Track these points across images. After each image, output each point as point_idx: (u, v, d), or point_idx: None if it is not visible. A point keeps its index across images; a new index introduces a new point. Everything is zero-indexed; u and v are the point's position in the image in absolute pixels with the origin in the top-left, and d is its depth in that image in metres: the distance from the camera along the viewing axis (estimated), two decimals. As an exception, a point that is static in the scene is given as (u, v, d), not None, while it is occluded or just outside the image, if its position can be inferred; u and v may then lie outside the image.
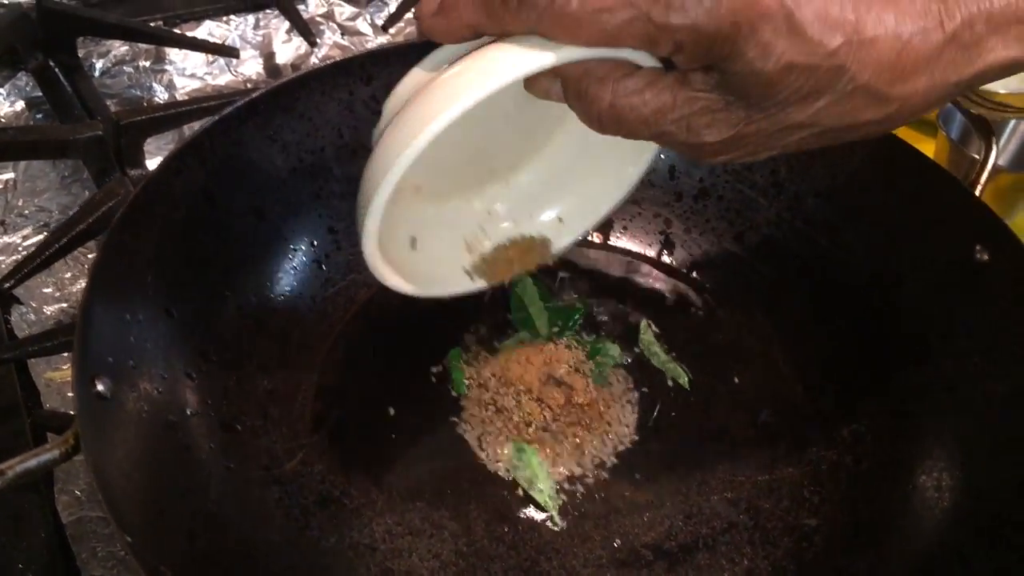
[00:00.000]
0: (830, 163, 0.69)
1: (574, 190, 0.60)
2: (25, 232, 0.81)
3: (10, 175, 0.84)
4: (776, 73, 0.38)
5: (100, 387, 0.48)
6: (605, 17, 0.37)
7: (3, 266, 0.76)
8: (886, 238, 0.66)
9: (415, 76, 0.48)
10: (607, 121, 0.43)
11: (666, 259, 0.75)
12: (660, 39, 0.38)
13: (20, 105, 0.91)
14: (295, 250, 0.68)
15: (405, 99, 0.46)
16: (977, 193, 0.62)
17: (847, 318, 0.67)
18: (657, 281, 0.74)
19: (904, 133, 0.63)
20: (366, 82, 0.69)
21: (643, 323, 0.70)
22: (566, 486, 0.60)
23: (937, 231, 0.63)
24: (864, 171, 0.67)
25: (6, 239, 0.80)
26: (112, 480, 0.44)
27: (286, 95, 0.65)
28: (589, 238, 0.76)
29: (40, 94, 0.90)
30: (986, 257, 0.59)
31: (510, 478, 0.60)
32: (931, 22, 0.38)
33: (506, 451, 0.61)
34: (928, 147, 0.84)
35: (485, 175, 0.60)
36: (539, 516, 0.58)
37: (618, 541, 0.57)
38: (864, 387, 0.64)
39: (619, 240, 0.76)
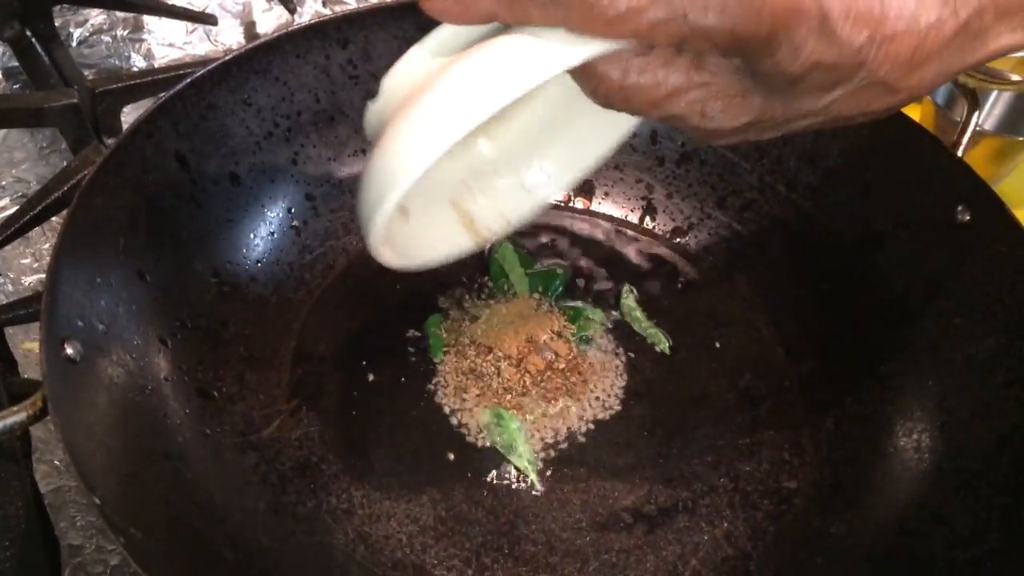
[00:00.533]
0: (813, 126, 0.68)
1: (562, 142, 0.59)
2: (2, 203, 0.80)
3: (-13, 145, 0.83)
4: (801, 71, 0.37)
5: (70, 350, 0.47)
6: (638, 16, 0.35)
7: (-18, 237, 0.75)
8: (868, 200, 0.66)
9: (419, 57, 0.44)
10: (615, 100, 0.40)
11: (648, 224, 0.74)
12: (694, 39, 0.36)
13: (-3, 75, 0.90)
14: (271, 216, 0.67)
15: (409, 83, 0.42)
16: (960, 154, 0.62)
17: (829, 281, 0.67)
18: (639, 246, 0.73)
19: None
20: (342, 45, 0.68)
21: (624, 288, 0.69)
22: (545, 451, 0.59)
23: (919, 192, 0.62)
24: (847, 134, 0.66)
25: (-16, 209, 0.79)
26: (81, 443, 0.44)
27: (260, 58, 0.64)
28: (571, 203, 0.76)
29: (17, 64, 0.88)
30: (967, 217, 0.59)
31: (488, 444, 0.59)
32: (947, 11, 0.37)
33: (484, 417, 0.60)
34: (914, 112, 0.84)
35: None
36: (518, 481, 0.58)
37: (597, 505, 0.57)
38: (845, 350, 0.64)
39: (601, 205, 0.75)
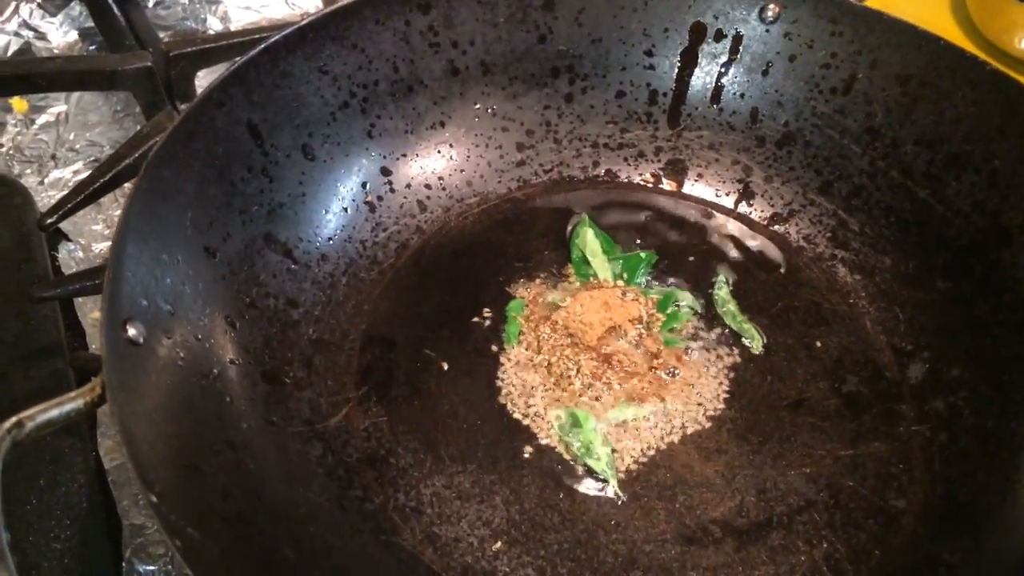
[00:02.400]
0: (934, 106, 0.62)
1: None
2: (76, 167, 0.78)
3: (62, 107, 0.81)
4: None
5: (132, 332, 0.45)
6: None
7: (54, 201, 0.74)
8: (995, 190, 0.59)
9: None
10: None
11: (744, 209, 0.69)
12: None
13: (73, 36, 0.88)
14: (345, 191, 0.64)
15: None
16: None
17: (946, 279, 0.61)
18: (734, 233, 0.68)
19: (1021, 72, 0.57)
20: (424, 11, 0.64)
21: (719, 278, 0.64)
22: (628, 455, 0.55)
23: (1056, 184, 0.56)
24: (972, 115, 0.60)
25: (56, 173, 0.77)
26: (140, 433, 0.41)
27: (337, 23, 0.61)
28: (660, 185, 0.71)
29: (92, 24, 0.87)
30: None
31: (564, 444, 0.55)
32: None
33: (560, 416, 0.56)
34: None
35: None
36: (597, 486, 0.54)
37: (684, 516, 0.53)
38: (963, 356, 0.58)
39: (693, 187, 0.70)
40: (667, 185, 0.71)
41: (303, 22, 0.59)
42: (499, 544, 0.51)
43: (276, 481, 0.49)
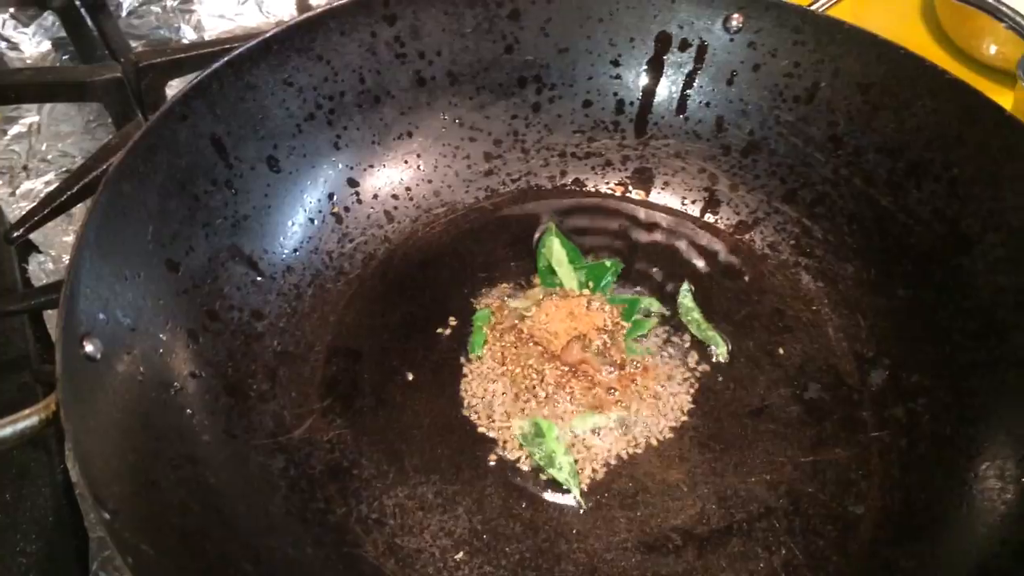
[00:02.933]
0: (895, 114, 0.62)
1: None
2: (47, 178, 0.78)
3: (34, 118, 0.82)
4: None
5: (89, 348, 0.45)
6: None
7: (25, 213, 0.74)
8: (955, 199, 0.60)
9: None
10: None
11: (710, 218, 0.69)
12: None
13: (46, 46, 0.88)
14: (311, 203, 0.64)
15: None
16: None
17: (907, 286, 0.61)
18: (700, 241, 0.68)
19: (979, 83, 0.57)
20: (389, 22, 0.64)
21: (684, 286, 0.65)
22: (589, 464, 0.56)
23: (1012, 191, 0.57)
24: (933, 124, 0.61)
25: (28, 184, 0.77)
26: (95, 450, 0.42)
27: (302, 35, 0.61)
28: (628, 193, 0.71)
29: (65, 35, 0.87)
30: (1066, 223, 0.53)
31: (526, 454, 0.56)
32: None
33: (523, 426, 0.56)
34: (1006, 99, 0.77)
35: None
36: (559, 495, 0.54)
37: (645, 524, 0.53)
38: (923, 362, 0.59)
39: (660, 196, 0.71)
40: (634, 194, 0.71)
41: (268, 34, 0.59)
42: (461, 554, 0.52)
43: (236, 495, 0.49)
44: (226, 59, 0.58)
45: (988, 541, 0.50)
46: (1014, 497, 0.51)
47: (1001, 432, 0.54)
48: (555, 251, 0.65)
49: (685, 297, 0.64)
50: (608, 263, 0.66)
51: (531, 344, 0.60)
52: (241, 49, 0.58)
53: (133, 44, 0.84)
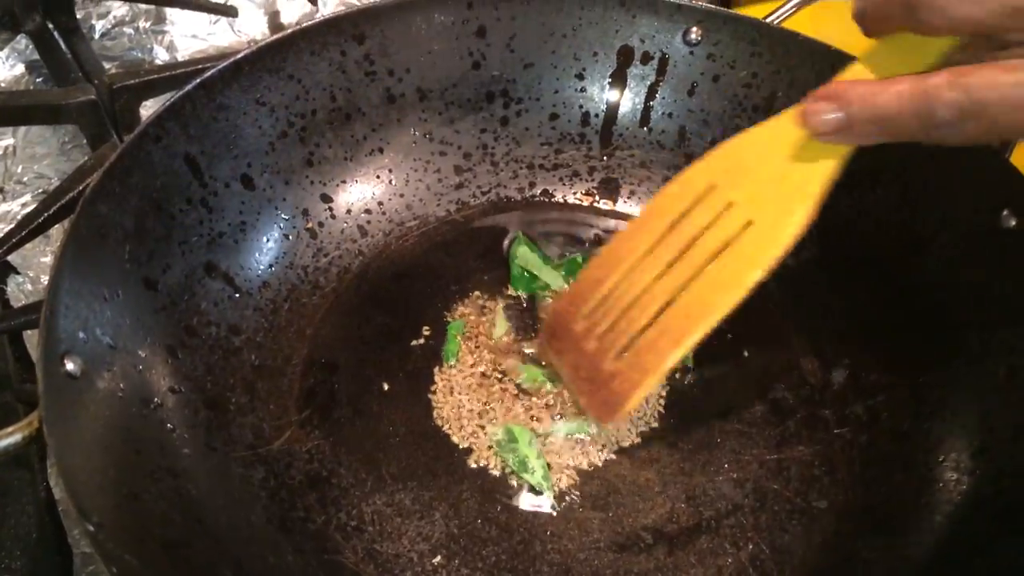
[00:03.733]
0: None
1: None
2: (24, 200, 0.79)
3: (10, 141, 0.82)
4: None
5: (70, 366, 0.46)
6: None
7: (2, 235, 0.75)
8: (908, 201, 0.62)
9: None
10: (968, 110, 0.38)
11: (676, 225, 0.71)
12: None
13: (20, 69, 0.89)
14: (285, 219, 0.65)
15: None
16: (1008, 153, 0.58)
17: (865, 288, 0.64)
18: (666, 248, 0.70)
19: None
20: (359, 41, 0.66)
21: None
22: (563, 469, 0.57)
23: (963, 194, 0.59)
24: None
25: (5, 207, 0.78)
26: (78, 465, 0.43)
27: (272, 55, 0.62)
28: (596, 203, 0.73)
29: (39, 57, 0.88)
30: (1013, 223, 0.55)
31: (501, 460, 0.57)
32: None
33: (497, 433, 0.58)
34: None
35: None
36: (533, 499, 0.56)
37: (616, 524, 0.55)
38: (881, 361, 0.61)
39: (626, 205, 0.73)
40: (601, 203, 0.73)
41: (239, 55, 0.61)
42: (439, 558, 0.53)
43: (217, 506, 0.51)
44: (199, 80, 0.59)
45: (946, 533, 0.52)
46: (970, 490, 0.53)
47: (956, 426, 0.56)
48: (528, 258, 0.67)
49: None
50: (580, 258, 0.68)
51: (504, 353, 0.62)
52: (213, 71, 0.60)
53: (107, 66, 0.85)
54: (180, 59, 0.91)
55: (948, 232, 0.60)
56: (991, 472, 0.53)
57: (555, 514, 0.55)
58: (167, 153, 0.57)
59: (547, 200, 0.73)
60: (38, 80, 0.88)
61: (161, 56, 0.91)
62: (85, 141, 0.80)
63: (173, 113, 0.58)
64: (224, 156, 0.61)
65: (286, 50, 0.63)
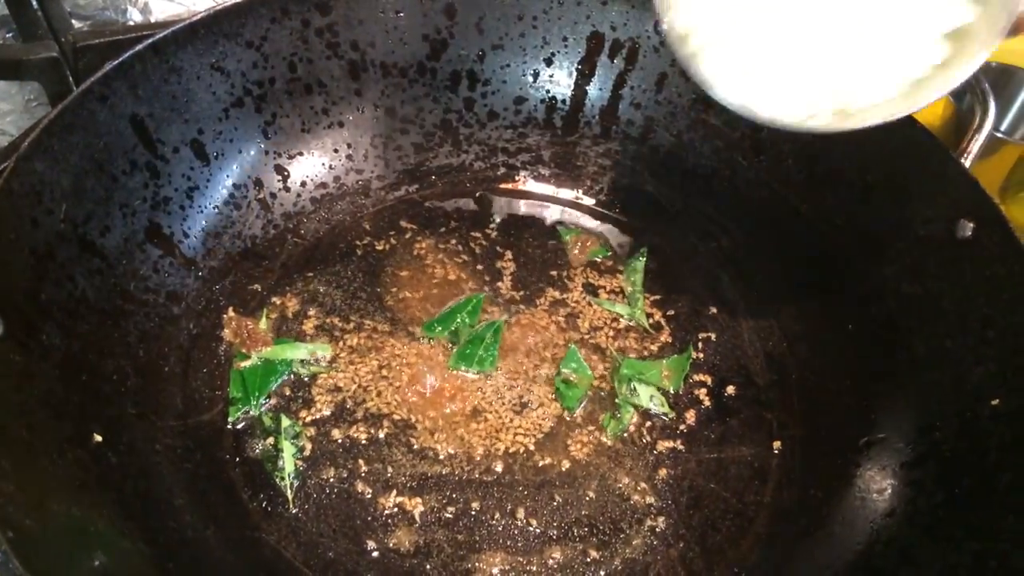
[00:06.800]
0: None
1: None
2: (-17, 155, 0.77)
3: (-27, 96, 0.81)
4: None
5: (-3, 328, 0.45)
6: None
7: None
8: (867, 206, 0.61)
9: None
10: None
11: (634, 213, 0.70)
12: None
13: (-12, 24, 0.87)
14: (237, 188, 0.64)
15: None
16: (968, 162, 0.57)
17: (820, 290, 0.63)
18: (624, 235, 0.69)
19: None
20: (323, 11, 0.65)
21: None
22: (494, 456, 0.56)
23: (921, 202, 0.58)
24: (854, 136, 0.62)
25: (-37, 162, 0.77)
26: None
27: (230, 20, 0.61)
28: (558, 191, 0.72)
29: (8, 12, 0.86)
30: (968, 233, 0.54)
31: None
32: None
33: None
34: (933, 112, 0.78)
35: None
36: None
37: (550, 517, 0.54)
38: (828, 365, 0.60)
39: (589, 192, 0.72)
40: (563, 190, 0.72)
41: (194, 18, 0.59)
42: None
43: (137, 475, 0.50)
44: (149, 41, 0.58)
45: (874, 540, 0.51)
46: (901, 500, 0.52)
47: (895, 434, 0.55)
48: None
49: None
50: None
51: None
52: (166, 32, 0.58)
53: (78, 25, 0.83)
54: (153, 21, 0.89)
55: (905, 240, 0.59)
56: (927, 482, 0.52)
57: (493, 492, 0.54)
58: (112, 113, 0.56)
59: (509, 185, 0.72)
60: (8, 35, 0.87)
61: (135, 17, 0.90)
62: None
63: (121, 72, 0.56)
64: (174, 120, 0.60)
65: (245, 15, 0.62)
